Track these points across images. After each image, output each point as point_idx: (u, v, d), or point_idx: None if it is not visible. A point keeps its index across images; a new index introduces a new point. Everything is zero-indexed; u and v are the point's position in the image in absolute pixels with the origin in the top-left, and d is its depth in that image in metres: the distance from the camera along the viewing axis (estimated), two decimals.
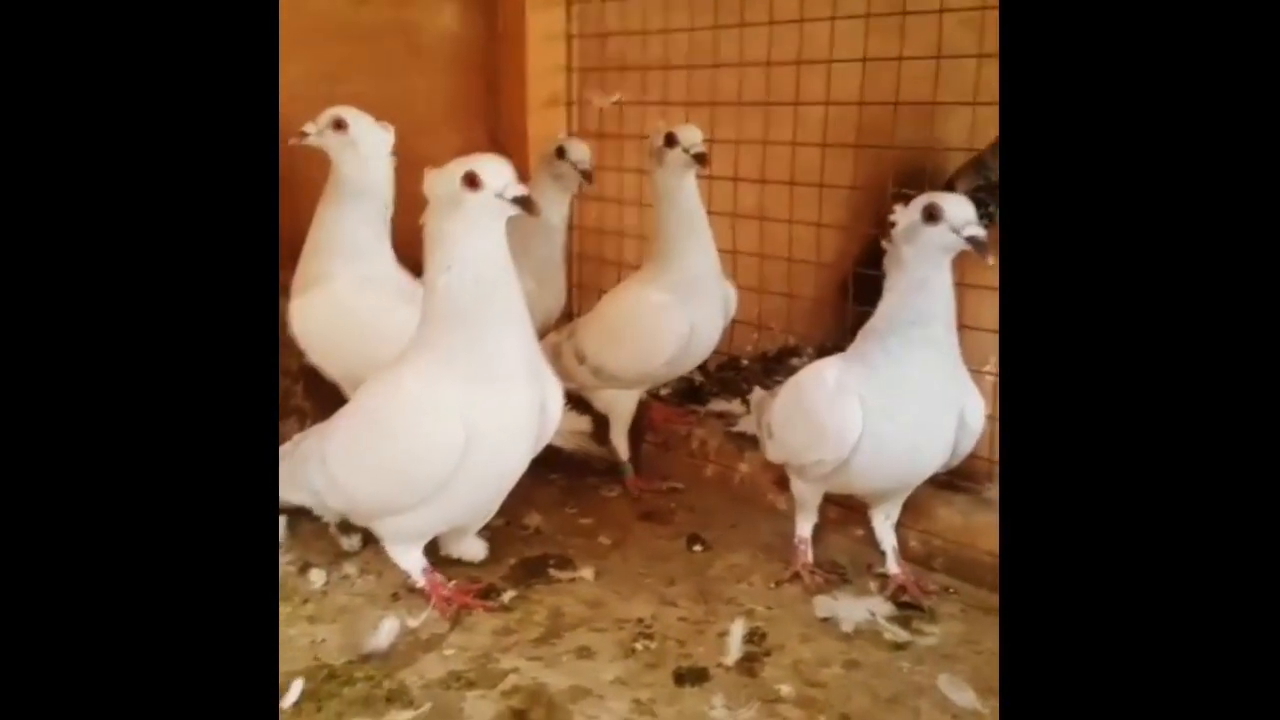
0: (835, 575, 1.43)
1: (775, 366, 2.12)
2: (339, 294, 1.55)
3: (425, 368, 1.22)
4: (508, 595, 1.37)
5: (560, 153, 1.78)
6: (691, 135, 1.56)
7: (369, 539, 1.46)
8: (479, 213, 1.17)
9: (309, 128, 1.53)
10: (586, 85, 2.03)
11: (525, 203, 1.17)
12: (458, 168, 1.16)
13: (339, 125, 1.53)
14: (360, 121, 1.55)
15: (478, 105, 2.04)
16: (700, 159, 1.55)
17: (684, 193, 1.59)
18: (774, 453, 1.48)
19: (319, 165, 1.59)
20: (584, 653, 1.24)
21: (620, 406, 1.75)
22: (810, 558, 1.44)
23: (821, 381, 1.33)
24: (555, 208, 1.80)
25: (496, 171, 1.16)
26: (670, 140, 1.56)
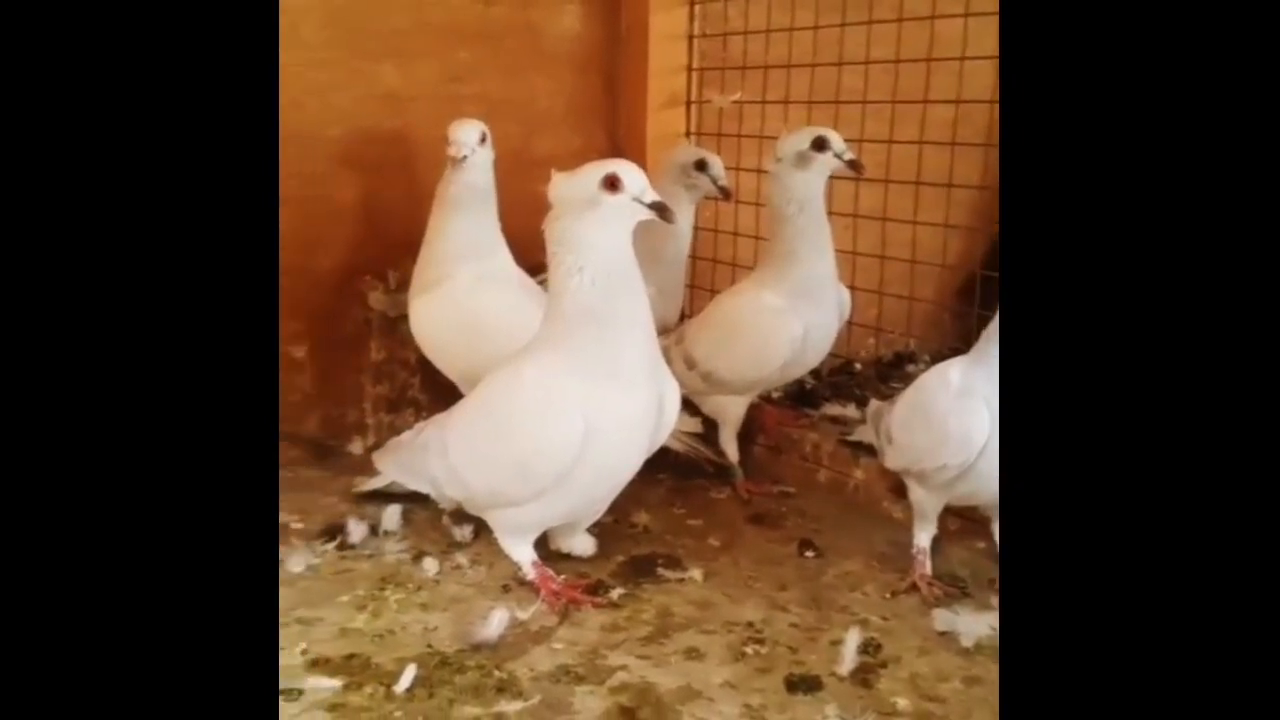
0: (955, 588, 1.38)
1: (890, 372, 2.07)
2: (458, 294, 1.59)
3: (549, 364, 1.23)
4: (616, 593, 1.36)
5: (701, 165, 1.76)
6: (840, 140, 1.54)
7: (480, 530, 1.49)
8: (615, 215, 1.18)
9: (464, 149, 1.55)
10: (706, 85, 2.02)
11: (661, 208, 1.19)
12: (596, 171, 1.18)
13: (484, 139, 1.58)
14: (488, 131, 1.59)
15: (597, 105, 2.06)
16: (854, 165, 1.55)
17: (818, 197, 1.57)
18: (893, 459, 1.44)
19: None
20: (693, 654, 1.22)
21: (730, 412, 1.73)
22: (929, 569, 1.39)
23: (945, 383, 1.30)
24: (684, 216, 1.80)
25: (635, 176, 1.18)
26: (820, 144, 1.54)
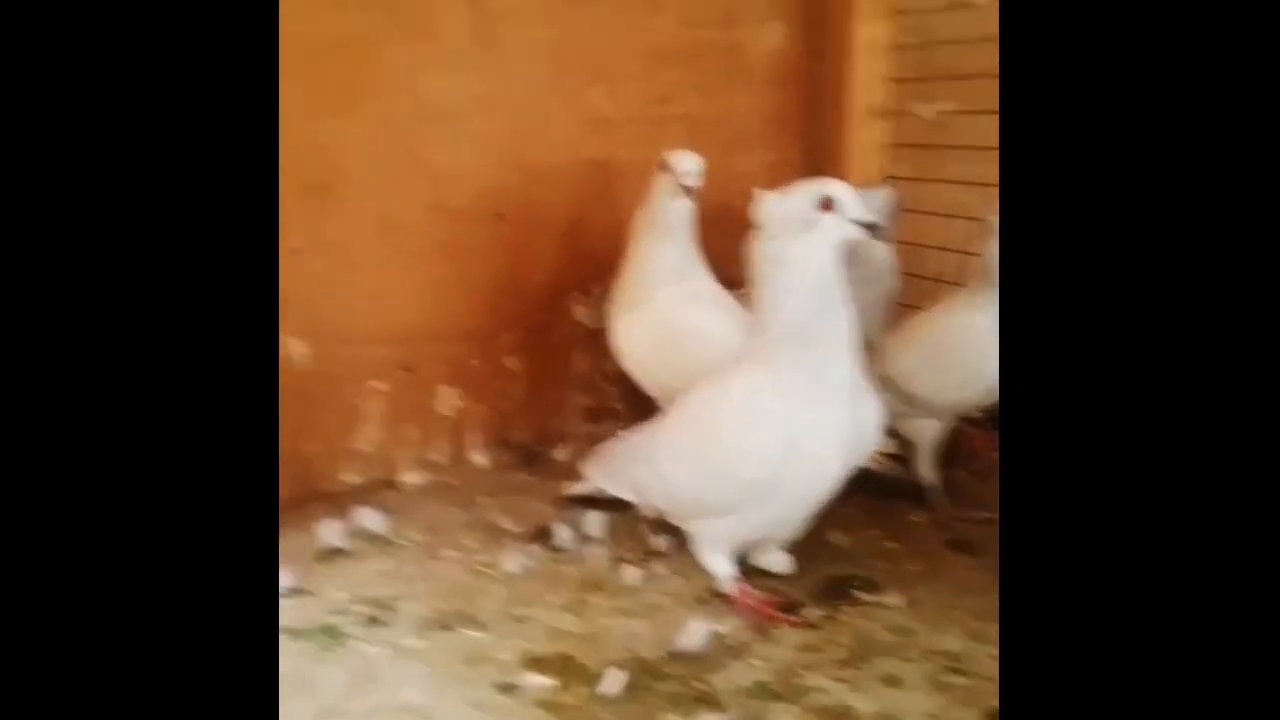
0: None
1: None
2: (661, 314, 1.65)
3: (754, 380, 1.26)
4: (814, 613, 1.37)
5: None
6: None
7: (677, 541, 1.53)
8: (830, 235, 1.21)
9: (697, 180, 1.61)
10: (909, 96, 1.99)
11: (874, 227, 1.20)
12: (811, 191, 1.21)
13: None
14: None
15: (794, 120, 2.07)
16: None
17: None
18: None
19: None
20: (891, 681, 1.22)
21: (928, 434, 1.69)
22: None
23: None
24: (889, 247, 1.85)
25: (849, 196, 1.20)
26: None
